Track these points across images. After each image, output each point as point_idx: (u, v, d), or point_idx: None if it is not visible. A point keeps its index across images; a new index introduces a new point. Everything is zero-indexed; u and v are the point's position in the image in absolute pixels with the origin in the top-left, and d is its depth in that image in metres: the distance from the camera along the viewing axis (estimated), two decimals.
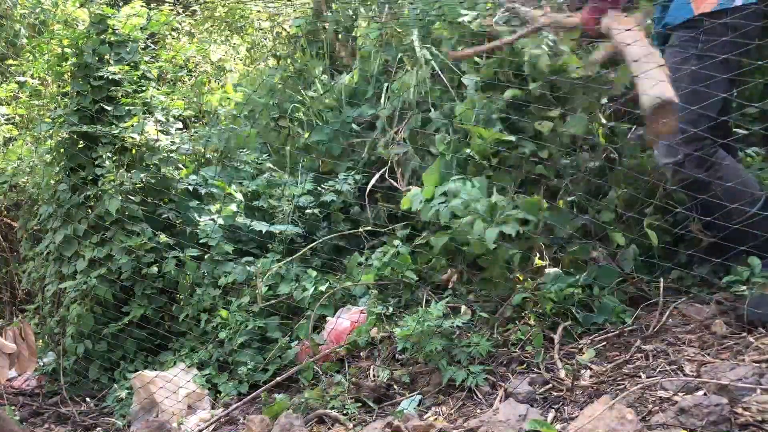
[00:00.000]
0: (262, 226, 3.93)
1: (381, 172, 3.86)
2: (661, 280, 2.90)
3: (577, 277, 2.93)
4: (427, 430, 2.39)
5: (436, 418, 2.51)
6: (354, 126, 4.28)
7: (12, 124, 5.64)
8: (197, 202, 4.22)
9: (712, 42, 2.65)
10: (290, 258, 3.73)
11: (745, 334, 2.51)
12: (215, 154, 4.78)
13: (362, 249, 3.69)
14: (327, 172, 4.33)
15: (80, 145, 4.22)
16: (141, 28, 4.43)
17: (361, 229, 3.80)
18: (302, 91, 4.72)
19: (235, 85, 5.32)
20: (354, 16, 5.04)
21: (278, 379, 3.20)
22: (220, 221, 4.00)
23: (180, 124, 4.60)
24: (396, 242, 3.44)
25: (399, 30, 4.25)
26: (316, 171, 4.35)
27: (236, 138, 4.65)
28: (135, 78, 4.28)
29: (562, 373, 2.57)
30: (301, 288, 3.58)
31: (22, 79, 5.20)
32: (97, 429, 3.51)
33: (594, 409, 2.09)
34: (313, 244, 3.84)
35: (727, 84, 2.72)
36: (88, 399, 3.95)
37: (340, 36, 5.11)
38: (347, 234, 3.93)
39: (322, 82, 4.71)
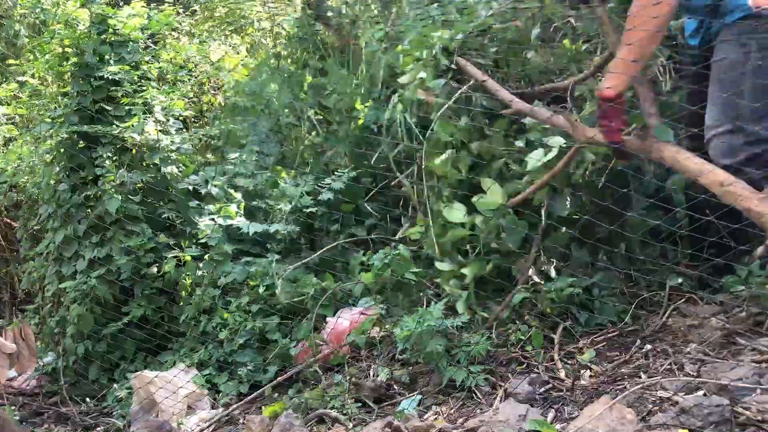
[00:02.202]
0: (258, 227, 3.93)
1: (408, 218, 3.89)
2: (669, 281, 2.90)
3: (579, 279, 2.94)
4: (427, 430, 2.39)
5: (436, 418, 2.51)
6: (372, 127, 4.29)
7: (12, 124, 5.64)
8: (197, 202, 4.22)
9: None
10: (302, 261, 3.73)
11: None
12: (216, 155, 4.78)
13: (365, 252, 3.71)
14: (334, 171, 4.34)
15: (80, 145, 4.22)
16: (141, 28, 4.44)
17: (372, 236, 3.82)
18: (314, 90, 4.75)
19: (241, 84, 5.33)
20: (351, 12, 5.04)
21: (279, 379, 3.20)
22: (220, 221, 4.00)
23: (180, 124, 4.61)
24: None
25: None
26: (324, 172, 4.36)
27: (234, 133, 4.66)
28: (135, 78, 4.29)
29: (562, 373, 2.57)
30: (302, 287, 3.59)
31: (22, 79, 5.20)
32: (97, 429, 3.52)
33: (594, 409, 2.09)
34: (324, 249, 3.84)
35: None
36: (88, 399, 3.96)
37: (344, 31, 5.11)
38: (351, 238, 3.96)
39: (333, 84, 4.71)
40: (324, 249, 3.85)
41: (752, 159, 2.51)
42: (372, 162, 4.09)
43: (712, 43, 2.69)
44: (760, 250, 2.23)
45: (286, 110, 4.81)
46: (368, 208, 4.09)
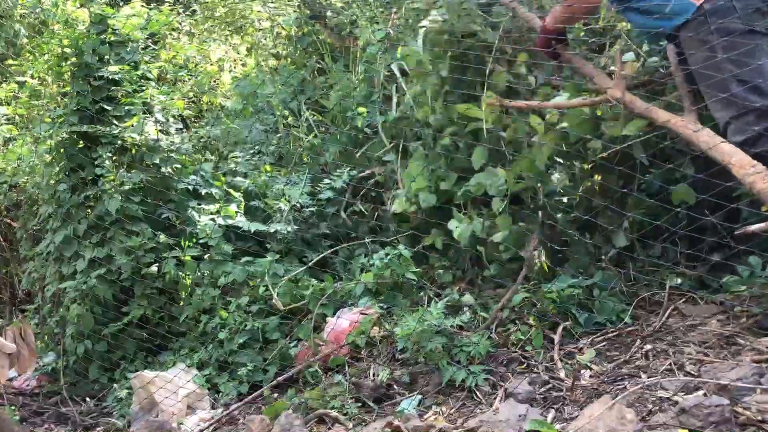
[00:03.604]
0: (258, 226, 3.93)
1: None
2: (669, 281, 2.90)
3: (579, 278, 2.93)
4: (427, 430, 2.39)
5: (436, 418, 2.51)
6: (366, 130, 4.30)
7: (12, 124, 5.64)
8: (197, 202, 4.22)
9: (723, 21, 2.63)
10: (306, 266, 3.74)
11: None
12: (215, 154, 4.78)
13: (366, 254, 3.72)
14: (331, 173, 4.35)
15: (80, 145, 4.22)
16: (141, 28, 4.43)
17: (367, 240, 3.82)
18: (314, 92, 4.75)
19: (237, 84, 5.33)
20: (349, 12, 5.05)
21: (279, 379, 3.20)
22: (220, 221, 4.00)
23: (180, 124, 4.60)
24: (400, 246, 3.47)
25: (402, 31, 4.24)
26: (321, 172, 4.36)
27: (236, 133, 4.67)
28: (135, 78, 4.28)
29: (562, 373, 2.57)
30: (302, 288, 3.59)
31: (22, 79, 5.20)
32: (97, 429, 3.51)
33: (594, 409, 2.09)
34: (325, 252, 3.85)
35: (764, 53, 2.68)
36: (88, 399, 3.95)
37: (342, 32, 5.11)
38: (353, 240, 3.97)
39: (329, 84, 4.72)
40: (326, 252, 3.86)
41: (763, 134, 2.58)
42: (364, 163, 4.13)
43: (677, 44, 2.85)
44: (758, 226, 2.30)
45: (285, 111, 4.81)
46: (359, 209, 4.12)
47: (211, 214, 4.08)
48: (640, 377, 2.40)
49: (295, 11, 5.54)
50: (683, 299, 2.86)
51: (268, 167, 4.47)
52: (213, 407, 3.32)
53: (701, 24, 2.69)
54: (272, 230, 3.93)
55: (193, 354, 3.65)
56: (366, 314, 3.24)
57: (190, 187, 4.28)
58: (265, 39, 6.17)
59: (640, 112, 2.81)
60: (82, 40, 4.24)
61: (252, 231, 3.94)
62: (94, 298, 3.96)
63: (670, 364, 2.41)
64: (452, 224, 3.27)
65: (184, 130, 5.12)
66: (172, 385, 3.29)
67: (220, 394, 3.39)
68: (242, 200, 4.24)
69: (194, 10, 6.74)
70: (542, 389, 2.50)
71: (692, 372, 2.31)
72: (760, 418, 1.89)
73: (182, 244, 4.00)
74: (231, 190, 4.29)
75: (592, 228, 3.13)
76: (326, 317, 3.44)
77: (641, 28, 3.03)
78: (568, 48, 3.24)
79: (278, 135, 4.80)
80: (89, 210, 4.13)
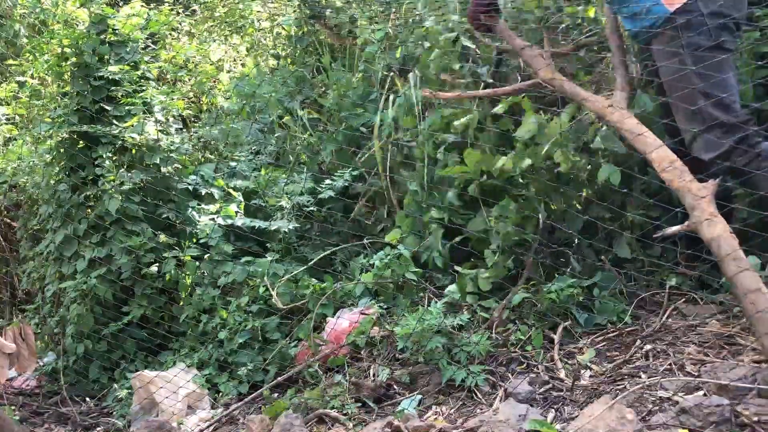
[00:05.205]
0: (257, 223, 3.94)
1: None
2: (669, 281, 2.90)
3: (580, 279, 2.94)
4: (427, 430, 2.39)
5: (436, 418, 2.52)
6: (362, 129, 4.30)
7: (12, 124, 5.64)
8: (197, 202, 4.22)
9: (692, 33, 2.64)
10: (306, 266, 3.74)
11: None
12: (215, 154, 4.79)
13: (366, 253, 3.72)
14: (330, 171, 4.34)
15: (80, 145, 4.22)
16: (141, 28, 4.43)
17: (366, 240, 3.83)
18: (311, 91, 4.75)
19: (236, 84, 5.34)
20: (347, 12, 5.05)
21: (279, 379, 3.20)
22: (220, 221, 4.01)
23: (180, 124, 4.60)
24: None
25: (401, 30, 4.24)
26: (319, 171, 4.36)
27: (235, 134, 4.68)
28: (135, 78, 4.28)
29: (562, 373, 2.57)
30: (302, 288, 3.59)
31: (22, 79, 5.20)
32: (97, 429, 3.52)
33: (594, 409, 2.09)
34: (325, 253, 3.85)
35: (730, 69, 2.70)
36: (88, 399, 3.95)
37: (341, 32, 5.11)
38: (352, 236, 3.97)
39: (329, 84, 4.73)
40: (326, 252, 3.86)
41: (734, 148, 2.59)
42: (360, 163, 4.13)
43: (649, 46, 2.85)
44: (673, 228, 2.34)
45: (280, 110, 4.82)
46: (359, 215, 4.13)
47: (211, 214, 4.08)
48: (640, 377, 2.40)
49: (295, 11, 5.54)
50: (683, 299, 2.86)
51: (267, 169, 4.47)
52: (213, 407, 3.32)
53: (671, 37, 2.70)
54: (273, 228, 3.93)
55: (193, 354, 3.65)
56: (366, 314, 3.24)
57: (190, 187, 4.28)
58: (265, 39, 6.18)
59: (568, 95, 2.81)
60: (82, 40, 4.24)
61: (252, 230, 3.94)
62: (94, 298, 3.96)
63: (670, 364, 2.41)
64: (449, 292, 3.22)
65: (184, 130, 5.12)
66: (172, 385, 3.29)
67: (220, 394, 3.39)
68: (242, 200, 4.24)
69: (194, 10, 6.74)
70: (542, 389, 2.50)
71: (692, 372, 2.31)
72: (757, 419, 1.90)
73: (182, 244, 3.99)
74: (231, 190, 4.29)
75: (593, 230, 3.13)
76: (326, 317, 3.44)
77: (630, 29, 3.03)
78: (499, 20, 3.17)
79: (276, 135, 4.80)
80: (89, 210, 4.13)
